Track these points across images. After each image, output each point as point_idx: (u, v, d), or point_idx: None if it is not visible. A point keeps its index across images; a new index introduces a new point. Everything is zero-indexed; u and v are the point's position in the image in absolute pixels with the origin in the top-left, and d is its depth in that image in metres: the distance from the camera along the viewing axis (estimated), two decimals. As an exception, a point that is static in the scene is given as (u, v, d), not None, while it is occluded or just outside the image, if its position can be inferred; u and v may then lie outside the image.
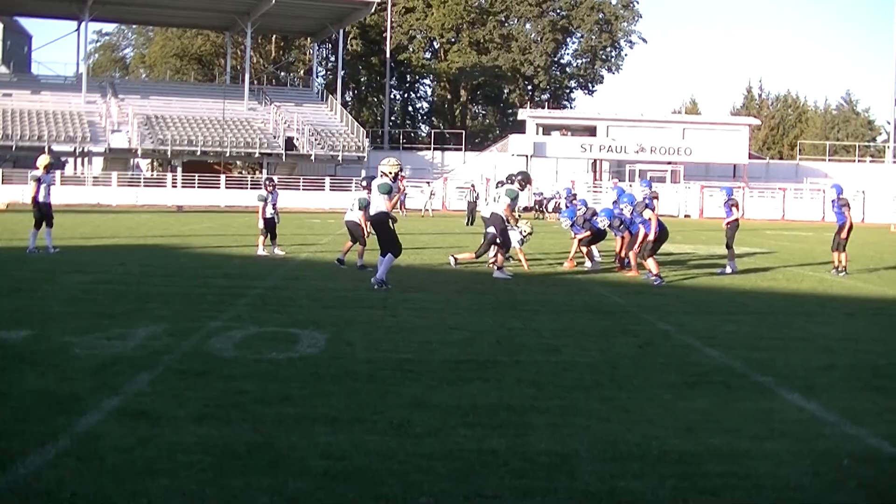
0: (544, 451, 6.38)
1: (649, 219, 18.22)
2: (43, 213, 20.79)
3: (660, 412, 7.55)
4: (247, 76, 75.14)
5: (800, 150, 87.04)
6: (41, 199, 20.88)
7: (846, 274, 20.41)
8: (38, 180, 20.93)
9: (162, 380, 8.28)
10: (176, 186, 63.28)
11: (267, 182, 23.55)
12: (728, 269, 20.17)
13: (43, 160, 21.64)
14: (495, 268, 18.30)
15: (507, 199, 18.23)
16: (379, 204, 15.54)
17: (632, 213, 18.68)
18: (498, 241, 18.42)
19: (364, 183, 19.15)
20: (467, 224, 42.20)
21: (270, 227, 22.30)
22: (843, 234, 20.93)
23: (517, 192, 18.60)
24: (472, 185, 51.83)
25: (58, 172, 54.96)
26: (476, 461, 6.16)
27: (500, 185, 20.42)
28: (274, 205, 22.47)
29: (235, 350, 9.73)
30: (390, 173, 15.78)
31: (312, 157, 68.21)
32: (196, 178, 63.67)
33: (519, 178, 19.30)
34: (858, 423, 7.37)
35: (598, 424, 7.13)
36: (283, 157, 68.10)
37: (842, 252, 20.88)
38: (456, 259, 19.73)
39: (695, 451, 6.52)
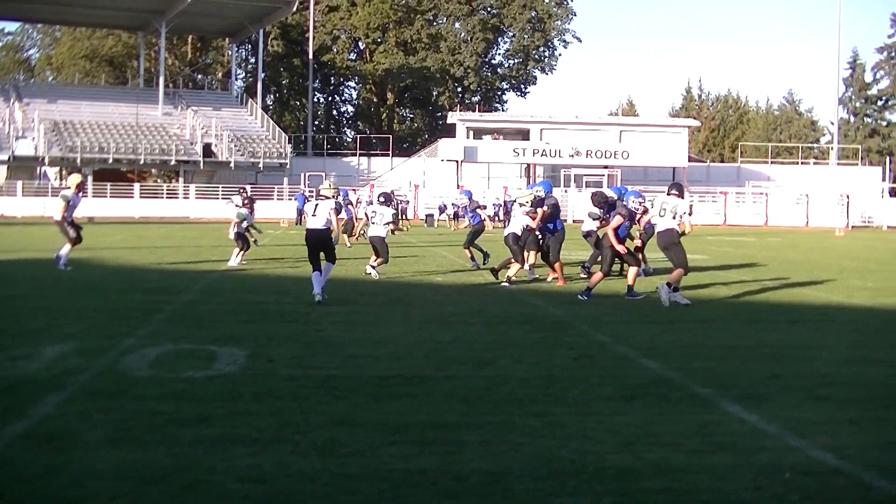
0: (476, 470, 6.39)
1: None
2: (76, 229, 20.88)
3: (596, 427, 7.58)
4: (161, 79, 74.63)
5: (741, 152, 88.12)
6: (70, 217, 20.91)
7: None
8: (68, 200, 20.91)
9: (71, 402, 8.18)
10: (86, 196, 62.36)
11: (242, 192, 25.57)
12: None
13: (74, 179, 21.67)
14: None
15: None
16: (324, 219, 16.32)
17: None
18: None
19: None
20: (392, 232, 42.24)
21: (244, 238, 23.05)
22: None
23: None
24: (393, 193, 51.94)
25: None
26: (404, 481, 6.15)
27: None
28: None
29: (150, 369, 9.63)
30: (333, 196, 17.12)
31: (232, 165, 67.86)
32: (108, 187, 63.07)
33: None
34: (802, 434, 7.45)
35: (533, 441, 7.15)
36: (201, 165, 67.72)
37: None
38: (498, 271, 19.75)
39: (632, 466, 6.56)
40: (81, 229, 21.39)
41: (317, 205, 16.87)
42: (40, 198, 61.43)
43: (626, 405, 8.39)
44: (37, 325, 12.50)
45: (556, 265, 19.33)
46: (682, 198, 17.21)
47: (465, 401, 8.42)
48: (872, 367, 10.61)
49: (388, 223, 20.40)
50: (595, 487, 6.11)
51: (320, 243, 16.36)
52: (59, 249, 21.00)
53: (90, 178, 64.01)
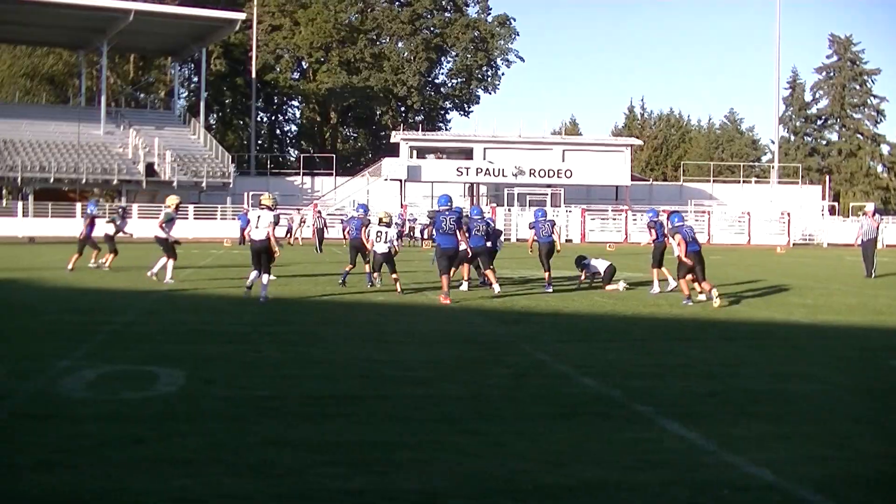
0: (410, 490, 6.37)
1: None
2: (171, 246, 23.22)
3: (533, 446, 7.58)
4: (103, 98, 74.09)
5: (683, 170, 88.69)
6: (162, 234, 23.24)
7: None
8: (171, 218, 23.52)
9: (3, 425, 8.09)
10: (27, 216, 62.00)
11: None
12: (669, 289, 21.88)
13: (174, 199, 24.25)
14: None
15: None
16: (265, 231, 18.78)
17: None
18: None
19: None
20: (317, 251, 42.82)
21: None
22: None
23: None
24: (319, 212, 52.53)
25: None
26: (339, 501, 6.12)
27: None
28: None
29: (86, 391, 9.51)
30: (272, 206, 19.18)
31: (175, 184, 67.42)
32: (49, 206, 62.49)
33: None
34: (738, 451, 7.47)
35: (467, 460, 7.12)
36: (144, 184, 67.32)
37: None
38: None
39: (567, 485, 6.56)
40: (174, 247, 23.44)
41: (259, 216, 19.05)
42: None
43: (564, 423, 8.39)
44: (-31, 348, 12.35)
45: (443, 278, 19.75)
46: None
47: (401, 420, 8.39)
48: (808, 383, 10.71)
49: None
50: (529, 506, 6.11)
51: (260, 252, 18.78)
52: (153, 265, 23.34)
53: (31, 198, 63.46)
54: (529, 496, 6.30)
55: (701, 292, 20.03)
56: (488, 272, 21.66)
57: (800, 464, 7.19)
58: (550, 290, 22.01)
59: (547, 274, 22.43)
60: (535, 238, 22.87)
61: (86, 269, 26.84)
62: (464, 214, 21.74)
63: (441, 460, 7.10)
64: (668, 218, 21.36)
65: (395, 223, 27.76)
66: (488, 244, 22.02)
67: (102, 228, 28.15)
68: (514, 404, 9.16)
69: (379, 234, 21.54)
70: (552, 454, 7.31)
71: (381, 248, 21.42)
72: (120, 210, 30.61)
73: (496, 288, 21.09)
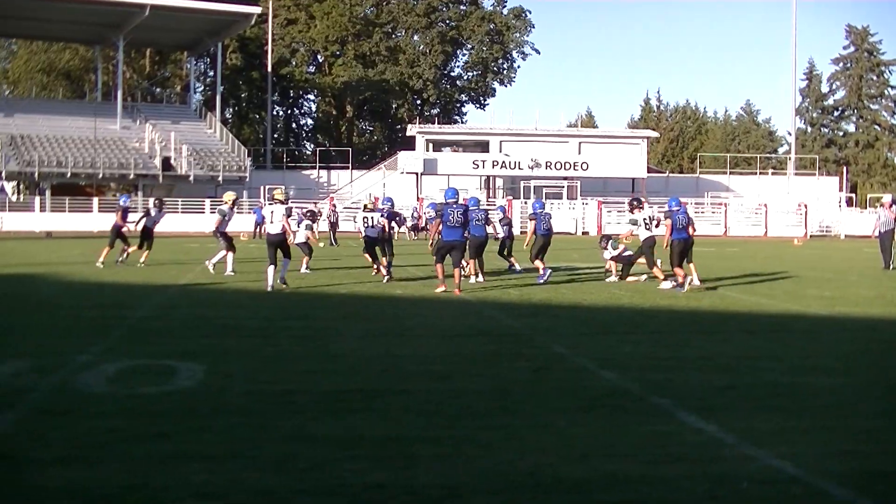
0: (432, 484, 6.36)
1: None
2: (228, 240, 24.17)
3: (553, 439, 7.57)
4: (119, 92, 74.20)
5: (700, 162, 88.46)
6: (223, 229, 24.21)
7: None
8: (224, 215, 24.24)
9: (25, 420, 8.10)
10: (44, 211, 62.17)
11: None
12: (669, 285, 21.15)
13: (230, 196, 25.01)
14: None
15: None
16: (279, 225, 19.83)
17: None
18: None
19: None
20: (332, 244, 42.78)
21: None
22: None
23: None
24: (335, 205, 52.62)
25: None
26: (361, 496, 6.12)
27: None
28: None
29: (106, 385, 9.53)
30: (284, 200, 20.24)
31: (191, 178, 67.57)
32: (66, 201, 62.59)
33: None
34: (758, 443, 7.44)
35: (489, 453, 7.11)
36: (160, 179, 67.34)
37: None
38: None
39: (588, 478, 6.54)
40: (233, 240, 24.58)
41: (272, 211, 20.04)
42: (-2, 212, 61.03)
43: (583, 416, 8.38)
44: (-11, 343, 12.38)
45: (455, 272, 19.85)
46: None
47: (422, 414, 8.39)
48: (827, 376, 10.68)
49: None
50: (551, 500, 6.10)
51: (277, 245, 19.82)
52: (211, 258, 24.41)
53: (48, 193, 63.56)
54: (550, 490, 6.29)
55: (676, 279, 20.31)
56: (472, 261, 22.45)
57: (821, 457, 7.16)
58: (542, 280, 22.10)
59: (540, 265, 22.57)
60: (535, 231, 22.97)
61: (111, 263, 26.74)
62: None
63: (461, 454, 7.09)
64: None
65: (408, 213, 28.39)
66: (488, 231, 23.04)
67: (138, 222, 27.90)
68: (533, 398, 9.15)
69: (365, 219, 22.72)
70: (572, 448, 7.30)
71: (371, 233, 22.60)
72: (157, 202, 30.89)
73: (480, 277, 22.44)
